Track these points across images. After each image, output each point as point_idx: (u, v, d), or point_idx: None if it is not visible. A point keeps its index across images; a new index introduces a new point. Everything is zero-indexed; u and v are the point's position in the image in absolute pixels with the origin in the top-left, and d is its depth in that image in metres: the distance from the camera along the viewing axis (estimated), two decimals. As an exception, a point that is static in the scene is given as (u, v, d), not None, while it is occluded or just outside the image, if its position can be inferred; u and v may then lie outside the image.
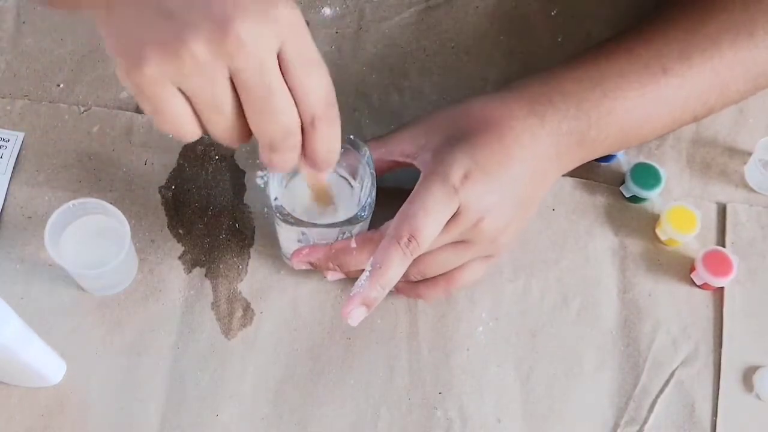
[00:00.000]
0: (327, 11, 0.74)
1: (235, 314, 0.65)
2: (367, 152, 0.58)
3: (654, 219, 0.69)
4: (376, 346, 0.65)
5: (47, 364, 0.60)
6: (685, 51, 0.62)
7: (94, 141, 0.69)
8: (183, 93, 0.45)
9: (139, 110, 0.70)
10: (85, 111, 0.70)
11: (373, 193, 0.57)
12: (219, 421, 0.62)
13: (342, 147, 0.58)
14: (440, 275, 0.61)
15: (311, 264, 0.61)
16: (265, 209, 0.68)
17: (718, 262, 0.66)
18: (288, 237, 0.61)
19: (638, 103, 0.61)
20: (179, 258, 0.66)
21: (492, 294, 0.66)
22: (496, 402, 0.63)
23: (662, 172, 0.69)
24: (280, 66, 0.46)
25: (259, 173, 0.68)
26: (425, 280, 0.62)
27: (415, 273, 0.60)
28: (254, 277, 0.66)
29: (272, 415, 0.62)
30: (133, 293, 0.65)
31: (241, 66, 0.44)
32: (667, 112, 0.63)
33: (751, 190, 0.71)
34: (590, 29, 0.75)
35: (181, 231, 0.67)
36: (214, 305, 0.65)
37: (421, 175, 0.57)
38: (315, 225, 0.58)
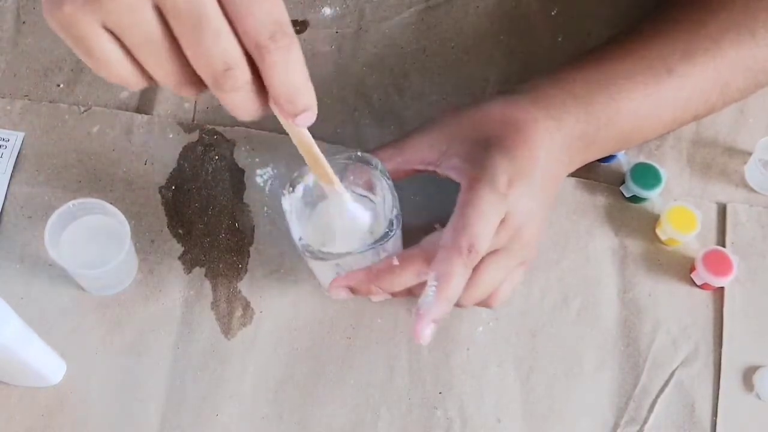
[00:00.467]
0: (327, 11, 0.74)
1: (234, 314, 0.65)
2: (380, 164, 0.57)
3: (654, 219, 0.69)
4: (376, 346, 0.65)
5: (47, 364, 0.60)
6: (687, 51, 0.62)
7: (94, 141, 0.69)
8: (112, 33, 0.42)
9: (139, 110, 0.71)
10: (85, 111, 0.70)
11: (397, 204, 0.56)
12: (219, 421, 0.62)
13: (352, 164, 0.58)
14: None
15: (351, 290, 0.58)
16: (265, 208, 0.68)
17: (718, 262, 0.66)
18: (323, 271, 0.60)
19: (643, 104, 0.61)
20: (179, 258, 0.66)
21: (492, 294, 0.66)
22: (496, 402, 0.63)
23: (662, 172, 0.69)
24: None
25: (259, 172, 0.68)
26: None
27: (468, 299, 0.57)
28: (254, 276, 0.66)
29: (272, 415, 0.62)
30: (133, 293, 0.65)
31: None
32: (669, 112, 0.63)
33: (751, 190, 0.71)
34: (590, 29, 0.75)
35: (181, 231, 0.67)
36: (214, 305, 0.65)
37: (464, 182, 0.56)
38: (348, 254, 0.56)
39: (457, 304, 0.56)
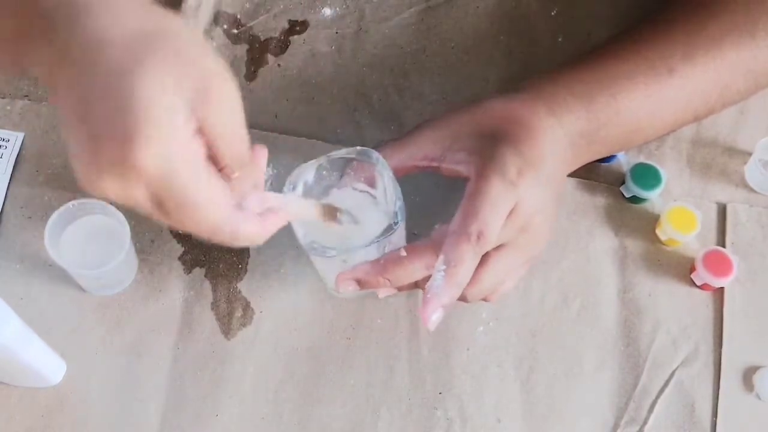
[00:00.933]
0: (327, 11, 0.74)
1: (234, 314, 0.65)
2: (380, 158, 0.57)
3: (654, 219, 0.69)
4: (376, 346, 0.65)
5: (47, 364, 0.60)
6: (688, 52, 0.62)
7: (94, 141, 0.69)
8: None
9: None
10: (85, 111, 0.70)
11: (400, 196, 0.56)
12: (219, 421, 0.62)
13: (354, 160, 0.58)
14: None
15: (359, 282, 0.58)
16: (265, 209, 0.68)
17: (718, 262, 0.66)
18: (329, 269, 0.60)
19: (643, 104, 0.61)
20: (179, 258, 0.66)
21: (492, 294, 0.66)
22: (496, 402, 0.63)
23: (662, 172, 0.69)
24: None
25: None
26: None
27: (475, 293, 0.57)
28: (254, 276, 0.66)
29: (272, 415, 0.62)
30: (133, 293, 0.65)
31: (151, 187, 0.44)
32: (670, 113, 0.63)
33: (751, 190, 0.71)
34: (590, 29, 0.75)
35: (181, 231, 0.67)
36: (214, 305, 0.65)
37: (473, 173, 0.56)
38: (353, 249, 0.56)
39: (462, 299, 0.56)
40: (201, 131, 0.44)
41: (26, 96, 0.70)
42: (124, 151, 0.41)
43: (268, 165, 0.69)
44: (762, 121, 0.73)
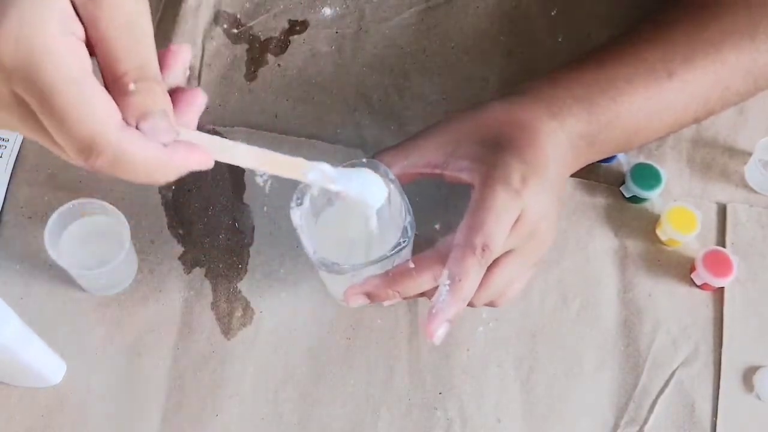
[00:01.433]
0: (327, 11, 0.74)
1: (234, 314, 0.65)
2: (389, 172, 0.56)
3: (654, 219, 0.69)
4: (376, 346, 0.65)
5: (47, 364, 0.60)
6: (688, 55, 0.62)
7: (94, 141, 0.69)
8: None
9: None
10: (85, 111, 0.70)
11: (410, 210, 0.56)
12: (219, 421, 0.62)
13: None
14: None
15: (368, 296, 0.57)
16: (265, 208, 0.68)
17: (718, 263, 0.66)
18: (336, 282, 0.60)
19: (643, 107, 0.61)
20: (179, 258, 0.66)
21: (492, 294, 0.66)
22: (496, 402, 0.63)
23: (662, 172, 0.69)
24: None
25: (259, 172, 0.68)
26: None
27: (481, 298, 0.57)
28: (254, 276, 0.66)
29: (272, 415, 0.62)
30: (133, 293, 0.65)
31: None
32: (669, 115, 0.63)
33: (751, 190, 0.71)
34: (590, 29, 0.75)
35: (181, 231, 0.67)
36: (214, 305, 0.65)
37: (477, 182, 0.56)
38: (363, 264, 0.56)
39: (468, 304, 0.56)
40: (91, 36, 0.40)
41: (26, 96, 0.70)
42: None
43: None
44: (762, 121, 0.73)
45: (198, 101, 0.44)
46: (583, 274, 0.68)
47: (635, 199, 0.70)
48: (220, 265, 0.66)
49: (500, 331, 0.66)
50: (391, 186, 0.56)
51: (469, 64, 0.74)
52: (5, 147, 0.68)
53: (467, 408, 0.63)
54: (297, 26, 0.74)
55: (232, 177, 0.69)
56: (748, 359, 0.65)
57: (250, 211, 0.68)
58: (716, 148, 0.73)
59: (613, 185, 0.71)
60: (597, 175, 0.71)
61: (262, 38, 0.74)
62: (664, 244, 0.69)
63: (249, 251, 0.67)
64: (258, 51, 0.73)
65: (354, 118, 0.72)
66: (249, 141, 0.69)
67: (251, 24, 0.74)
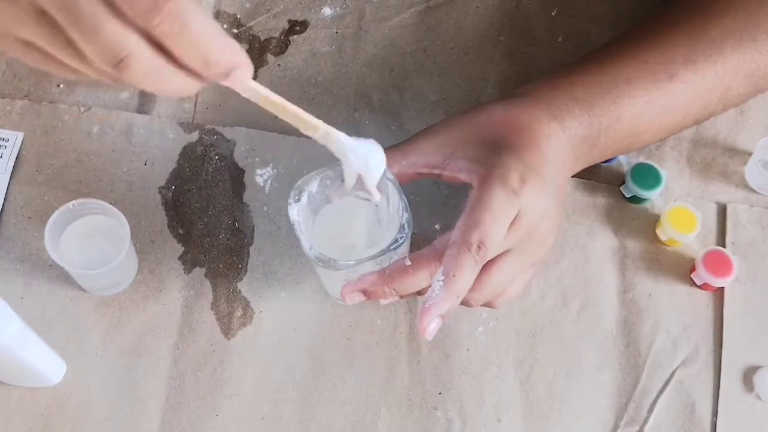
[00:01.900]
0: (327, 11, 0.74)
1: (234, 314, 0.65)
2: (387, 170, 0.56)
3: (654, 219, 0.69)
4: (376, 346, 0.65)
5: (47, 364, 0.60)
6: (690, 56, 0.62)
7: (94, 141, 0.69)
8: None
9: (139, 110, 0.71)
10: (85, 111, 0.70)
11: (407, 207, 0.56)
12: (219, 421, 0.62)
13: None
14: None
15: (365, 293, 0.57)
16: (265, 208, 0.68)
17: (718, 263, 0.66)
18: (333, 279, 0.60)
19: (644, 110, 0.61)
20: (179, 258, 0.66)
21: (492, 294, 0.66)
22: (496, 402, 0.63)
23: (662, 172, 0.69)
24: None
25: (259, 172, 0.68)
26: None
27: (478, 298, 0.57)
28: (254, 275, 0.66)
29: (272, 415, 0.62)
30: (133, 293, 0.65)
31: None
32: (670, 117, 0.63)
33: (751, 190, 0.71)
34: (590, 29, 0.75)
35: (181, 231, 0.67)
36: (214, 305, 0.65)
37: (475, 181, 0.56)
38: (360, 261, 0.56)
39: (465, 304, 0.56)
40: None
41: (26, 96, 0.70)
42: None
43: (267, 165, 0.70)
44: (762, 121, 0.74)
45: None
46: (583, 274, 0.68)
47: (635, 199, 0.70)
48: (220, 265, 0.66)
49: (500, 331, 0.66)
50: (390, 185, 0.56)
51: (469, 64, 0.74)
52: (5, 147, 0.68)
53: (467, 408, 0.63)
54: (297, 26, 0.74)
55: (232, 177, 0.69)
56: (748, 359, 0.65)
57: (250, 211, 0.68)
58: (716, 148, 0.73)
59: (613, 185, 0.71)
60: (597, 175, 0.71)
61: (262, 38, 0.74)
62: (664, 244, 0.69)
63: (249, 251, 0.67)
64: (258, 51, 0.73)
65: (354, 118, 0.72)
66: (249, 141, 0.70)
67: (251, 24, 0.74)
